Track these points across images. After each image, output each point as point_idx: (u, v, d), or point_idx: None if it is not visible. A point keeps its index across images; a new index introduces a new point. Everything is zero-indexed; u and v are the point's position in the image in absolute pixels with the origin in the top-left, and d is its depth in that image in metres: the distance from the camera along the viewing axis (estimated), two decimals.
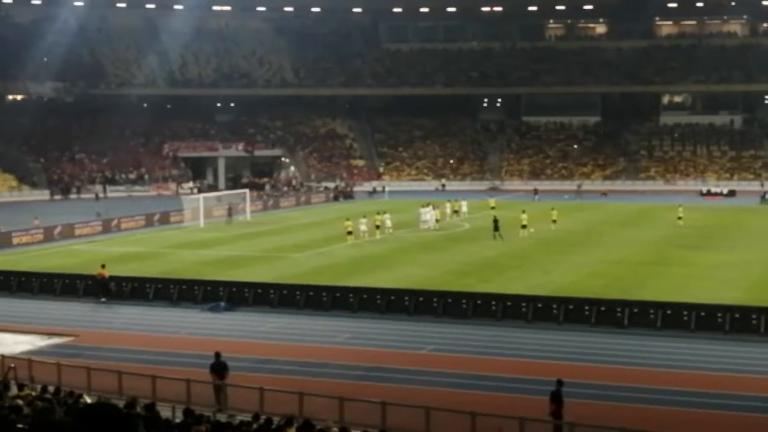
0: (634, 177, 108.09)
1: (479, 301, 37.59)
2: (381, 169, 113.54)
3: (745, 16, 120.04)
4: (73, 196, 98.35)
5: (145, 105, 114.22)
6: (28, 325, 37.34)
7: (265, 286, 41.28)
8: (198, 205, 71.35)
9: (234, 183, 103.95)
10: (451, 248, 55.31)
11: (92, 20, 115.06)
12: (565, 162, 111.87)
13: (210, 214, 72.66)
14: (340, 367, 30.18)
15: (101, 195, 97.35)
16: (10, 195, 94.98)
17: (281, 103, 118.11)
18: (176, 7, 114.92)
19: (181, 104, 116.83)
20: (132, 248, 58.17)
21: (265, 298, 40.22)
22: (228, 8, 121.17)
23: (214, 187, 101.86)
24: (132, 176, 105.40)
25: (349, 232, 58.44)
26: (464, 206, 72.67)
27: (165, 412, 21.00)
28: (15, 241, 59.96)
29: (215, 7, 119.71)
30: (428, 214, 65.19)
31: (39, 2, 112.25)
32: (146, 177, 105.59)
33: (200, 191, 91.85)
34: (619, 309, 35.55)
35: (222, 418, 21.94)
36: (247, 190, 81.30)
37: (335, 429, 19.79)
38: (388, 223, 62.21)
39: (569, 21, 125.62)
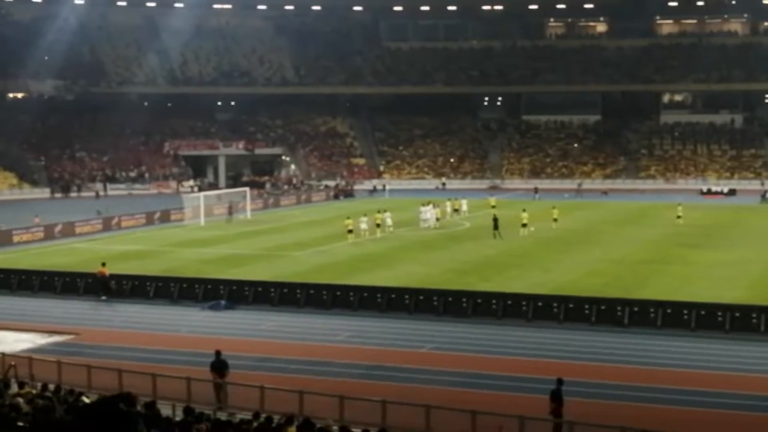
0: (634, 176, 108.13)
1: (479, 300, 37.59)
2: (381, 168, 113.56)
3: (745, 15, 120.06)
4: (73, 194, 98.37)
5: (145, 103, 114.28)
6: (28, 323, 37.34)
7: (266, 285, 41.27)
8: (198, 204, 71.36)
9: (234, 181, 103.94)
10: (451, 247, 55.32)
11: (93, 18, 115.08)
12: (565, 161, 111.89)
13: (210, 213, 72.66)
14: (340, 365, 30.18)
15: (102, 193, 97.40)
16: (10, 193, 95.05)
17: (282, 102, 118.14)
18: (177, 5, 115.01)
19: (181, 102, 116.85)
20: (132, 246, 58.18)
21: (266, 297, 40.22)
22: (228, 6, 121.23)
23: (214, 186, 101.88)
24: (132, 174, 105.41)
25: (350, 231, 58.45)
26: (464, 205, 72.72)
27: (165, 410, 21.00)
28: (15, 239, 59.98)
29: (216, 6, 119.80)
30: (428, 213, 65.20)
31: (40, 0, 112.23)
32: (147, 175, 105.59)
33: (201, 189, 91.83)
34: (619, 308, 35.55)
35: (222, 416, 21.96)
36: (247, 189, 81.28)
37: (335, 427, 19.80)
38: (389, 221, 62.22)
39: (570, 19, 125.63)
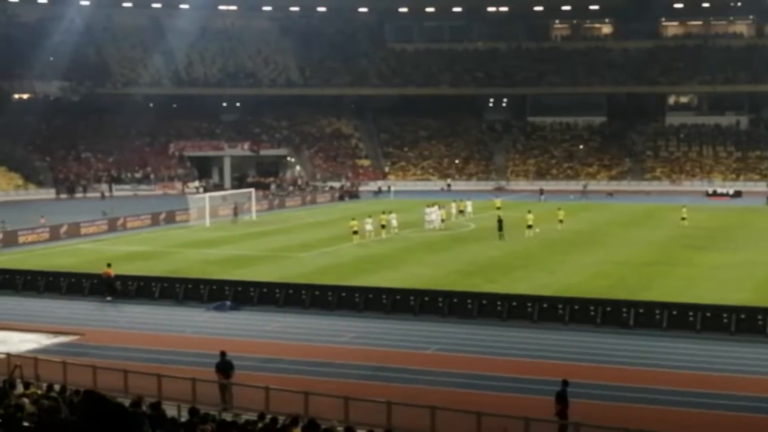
0: (639, 177, 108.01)
1: (484, 301, 37.57)
2: (386, 169, 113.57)
3: (751, 17, 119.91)
4: (78, 195, 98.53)
5: (150, 104, 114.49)
6: (33, 323, 37.38)
7: (271, 286, 41.28)
8: (204, 205, 71.40)
9: (239, 182, 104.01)
10: (456, 248, 55.29)
11: (98, 19, 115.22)
12: (570, 162, 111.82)
13: (215, 214, 72.72)
14: (345, 366, 30.17)
15: (107, 194, 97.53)
16: (16, 194, 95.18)
17: (287, 103, 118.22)
18: (182, 6, 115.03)
19: (186, 104, 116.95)
20: (138, 247, 58.24)
21: (271, 298, 40.23)
22: (234, 8, 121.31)
23: (219, 187, 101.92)
24: (138, 175, 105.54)
25: (355, 232, 58.45)
26: (469, 206, 72.67)
27: (170, 410, 21.03)
28: (21, 239, 60.08)
29: (221, 7, 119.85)
30: (434, 214, 65.20)
31: (45, 1, 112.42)
32: (152, 176, 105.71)
33: (206, 190, 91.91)
34: (624, 309, 35.50)
35: (227, 417, 21.97)
36: (252, 190, 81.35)
37: (340, 428, 19.80)
38: (394, 222, 62.25)
39: (575, 21, 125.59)
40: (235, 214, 73.75)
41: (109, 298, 42.01)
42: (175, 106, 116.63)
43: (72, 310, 40.37)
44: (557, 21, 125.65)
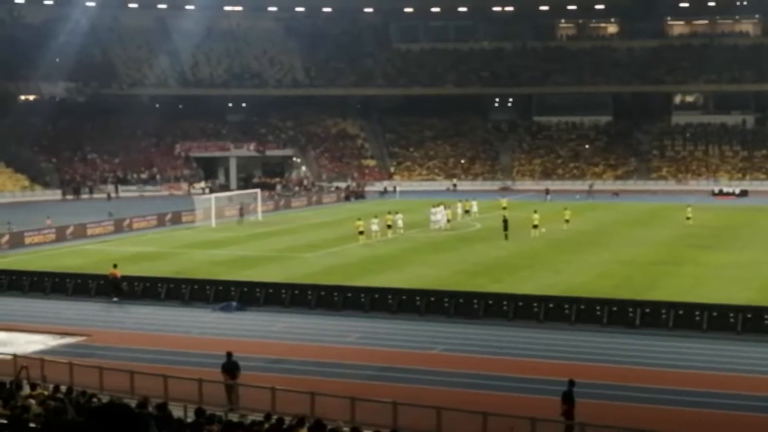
0: (645, 177, 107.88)
1: (490, 301, 37.56)
2: (392, 169, 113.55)
3: (757, 16, 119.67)
4: (85, 196, 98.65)
5: (156, 105, 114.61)
6: (40, 324, 37.43)
7: (277, 286, 41.30)
8: (209, 205, 71.47)
9: (245, 183, 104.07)
10: (462, 248, 55.28)
11: (104, 20, 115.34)
12: (576, 162, 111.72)
13: (221, 214, 72.76)
14: (351, 366, 30.18)
15: (113, 195, 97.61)
16: (22, 195, 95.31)
17: (292, 103, 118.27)
18: (188, 7, 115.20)
19: (192, 104, 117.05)
20: (144, 248, 58.30)
21: (277, 298, 40.25)
22: (239, 8, 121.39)
23: (225, 187, 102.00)
24: (144, 176, 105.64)
25: (361, 232, 58.46)
26: (475, 206, 72.63)
27: (177, 411, 21.04)
28: (27, 240, 60.15)
29: (226, 8, 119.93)
30: (439, 214, 65.17)
31: (51, 2, 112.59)
32: (158, 177, 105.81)
33: (212, 191, 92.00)
34: (630, 309, 35.47)
35: (234, 417, 21.97)
36: (258, 190, 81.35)
37: (346, 429, 19.80)
38: (400, 223, 62.25)
39: (580, 21, 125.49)
40: (241, 214, 73.80)
41: (115, 299, 42.06)
42: (180, 106, 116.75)
43: (78, 311, 40.41)
44: (563, 20, 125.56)
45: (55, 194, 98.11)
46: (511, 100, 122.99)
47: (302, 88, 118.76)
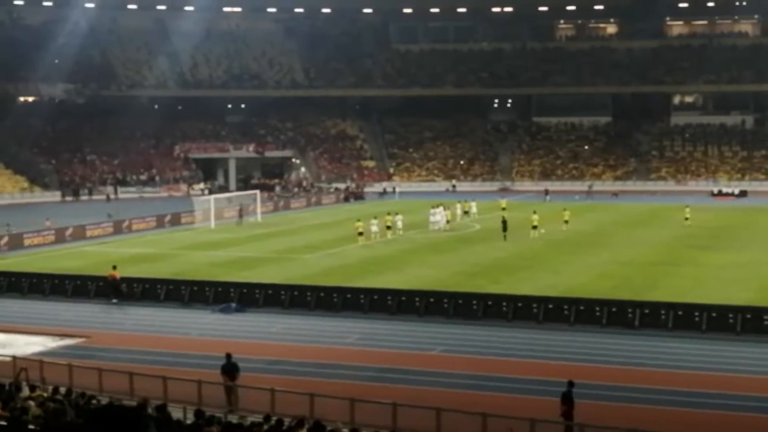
0: (645, 177, 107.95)
1: (490, 302, 37.54)
2: (391, 170, 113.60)
3: (756, 16, 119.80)
4: (84, 197, 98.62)
5: (155, 106, 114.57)
6: (39, 326, 37.39)
7: (276, 287, 41.28)
8: (209, 207, 71.48)
9: (245, 184, 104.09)
10: (461, 249, 55.28)
11: (103, 22, 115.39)
12: (575, 162, 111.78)
13: (221, 216, 72.78)
14: (350, 368, 30.17)
15: (112, 196, 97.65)
16: (21, 196, 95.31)
17: (291, 104, 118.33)
18: (187, 8, 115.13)
19: (191, 105, 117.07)
20: (143, 249, 58.29)
21: (276, 299, 40.24)
22: (238, 9, 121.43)
23: (224, 189, 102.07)
24: (143, 177, 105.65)
25: (360, 233, 58.46)
26: (474, 207, 72.65)
27: (176, 413, 21.03)
28: (26, 242, 60.14)
29: (226, 9, 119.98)
30: (439, 215, 65.19)
31: (50, 4, 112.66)
32: (157, 178, 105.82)
33: (211, 192, 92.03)
34: (630, 310, 35.47)
35: (233, 419, 21.97)
36: (257, 191, 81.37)
37: (345, 430, 19.81)
38: (399, 224, 62.26)
39: (580, 21, 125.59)
40: (240, 215, 73.81)
41: (114, 301, 42.04)
42: (180, 108, 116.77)
43: (77, 313, 40.39)
44: (562, 21, 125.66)
45: (55, 196, 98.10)
46: (510, 100, 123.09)
47: (301, 89, 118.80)
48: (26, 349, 32.71)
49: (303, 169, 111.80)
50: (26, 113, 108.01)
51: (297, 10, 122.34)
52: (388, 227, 61.27)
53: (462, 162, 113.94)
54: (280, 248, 57.08)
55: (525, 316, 36.42)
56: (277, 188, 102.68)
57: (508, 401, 26.07)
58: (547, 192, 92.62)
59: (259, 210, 76.53)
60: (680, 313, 34.83)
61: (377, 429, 21.93)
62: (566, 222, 63.62)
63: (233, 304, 39.86)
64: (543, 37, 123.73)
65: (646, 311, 35.28)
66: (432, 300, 38.29)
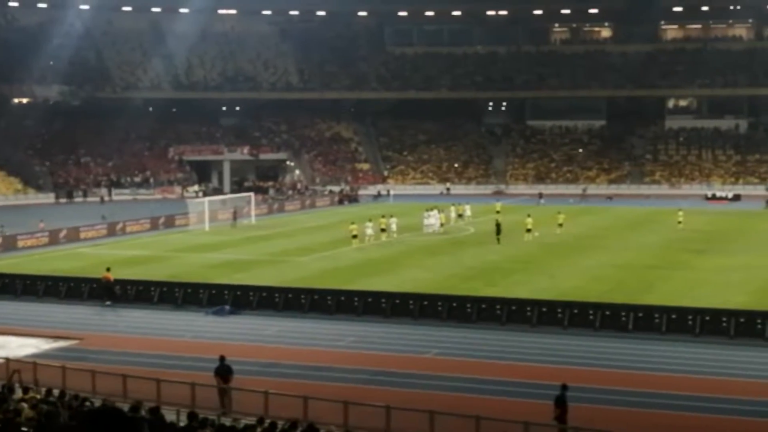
0: (639, 181, 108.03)
1: (484, 305, 37.57)
2: (386, 173, 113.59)
3: (750, 20, 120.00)
4: (78, 199, 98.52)
5: (150, 108, 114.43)
6: (32, 328, 37.37)
7: (270, 290, 41.26)
8: (203, 209, 71.40)
9: (239, 186, 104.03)
10: (455, 252, 55.30)
11: (98, 24, 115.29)
12: (570, 166, 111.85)
13: (215, 218, 72.70)
14: (344, 370, 30.17)
15: (106, 198, 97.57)
16: (15, 198, 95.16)
17: (286, 107, 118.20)
18: (182, 10, 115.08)
19: (186, 108, 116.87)
20: (137, 251, 58.23)
21: (270, 302, 40.22)
22: (233, 12, 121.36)
23: (219, 191, 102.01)
24: (137, 179, 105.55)
25: (354, 236, 58.45)
26: (468, 210, 72.68)
27: (170, 415, 21.03)
28: (20, 244, 60.08)
29: (220, 11, 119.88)
30: (433, 218, 65.23)
31: (45, 6, 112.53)
32: (151, 180, 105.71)
33: (205, 195, 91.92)
34: (623, 313, 35.51)
35: (226, 421, 21.96)
36: (252, 194, 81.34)
37: None
38: (394, 226, 62.27)
39: (574, 25, 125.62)
40: (235, 218, 73.72)
41: (108, 303, 41.99)
42: (174, 110, 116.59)
43: (71, 315, 40.34)
44: (557, 25, 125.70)
45: (49, 197, 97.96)
46: (504, 104, 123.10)
47: (296, 91, 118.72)
48: (19, 351, 32.67)
49: (297, 172, 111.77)
50: (20, 115, 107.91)
51: (292, 12, 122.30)
52: (383, 230, 61.28)
53: (456, 165, 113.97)
54: (274, 251, 57.06)
55: (519, 319, 36.47)
56: (272, 191, 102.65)
57: (502, 404, 26.09)
58: (541, 195, 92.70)
59: (253, 212, 76.50)
60: (674, 316, 34.88)
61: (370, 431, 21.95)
62: (560, 225, 63.65)
63: (227, 307, 39.85)
64: (538, 40, 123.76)
65: (640, 315, 35.33)
66: (426, 303, 38.30)
